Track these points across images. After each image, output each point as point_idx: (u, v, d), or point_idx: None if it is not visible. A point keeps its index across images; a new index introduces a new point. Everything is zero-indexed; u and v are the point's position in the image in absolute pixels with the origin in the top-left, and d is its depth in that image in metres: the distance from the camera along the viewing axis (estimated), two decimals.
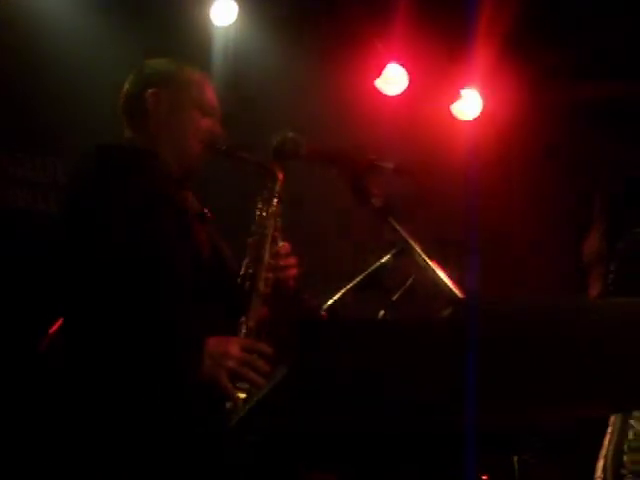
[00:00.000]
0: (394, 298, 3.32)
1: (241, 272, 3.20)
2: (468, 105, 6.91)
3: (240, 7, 6.26)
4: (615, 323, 1.98)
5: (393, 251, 3.17)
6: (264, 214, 3.26)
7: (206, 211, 3.29)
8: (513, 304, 1.96)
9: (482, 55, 6.58)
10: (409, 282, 3.31)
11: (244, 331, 3.05)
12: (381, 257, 3.22)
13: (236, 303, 3.12)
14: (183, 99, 3.31)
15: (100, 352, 2.90)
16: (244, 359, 2.91)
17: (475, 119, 6.94)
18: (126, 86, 3.41)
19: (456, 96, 6.92)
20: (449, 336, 1.86)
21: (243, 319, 3.07)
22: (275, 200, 3.27)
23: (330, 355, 1.86)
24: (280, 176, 3.28)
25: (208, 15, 6.22)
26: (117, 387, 2.89)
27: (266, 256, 3.20)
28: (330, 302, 3.26)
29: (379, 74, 6.72)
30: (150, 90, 3.31)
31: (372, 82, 6.74)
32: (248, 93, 6.24)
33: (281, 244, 3.27)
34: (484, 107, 6.90)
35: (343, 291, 3.26)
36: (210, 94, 3.37)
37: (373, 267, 3.25)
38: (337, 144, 3.22)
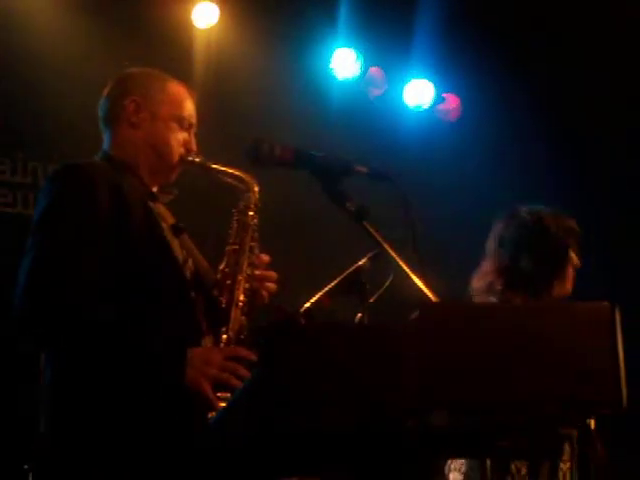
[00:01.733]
0: (371, 301, 3.33)
1: (218, 280, 3.21)
2: (449, 107, 6.95)
3: (221, 9, 6.28)
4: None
5: (370, 254, 3.18)
6: (241, 225, 3.27)
7: (180, 224, 3.29)
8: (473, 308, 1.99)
9: (461, 57, 6.62)
10: (386, 285, 3.32)
11: (224, 341, 3.06)
12: (358, 260, 3.22)
13: (215, 314, 3.13)
14: (163, 110, 3.31)
15: (80, 363, 2.91)
16: (226, 366, 2.92)
17: (455, 121, 6.99)
18: (106, 91, 3.41)
19: (439, 98, 6.96)
20: (415, 339, 1.88)
21: (223, 329, 3.08)
22: (251, 211, 3.29)
23: (298, 358, 1.87)
24: (256, 187, 3.30)
25: (189, 17, 6.24)
26: (99, 398, 2.90)
27: (244, 266, 3.21)
28: (307, 305, 3.26)
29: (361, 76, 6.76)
30: (130, 98, 3.31)
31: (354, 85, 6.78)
32: (230, 95, 6.25)
33: (261, 255, 3.28)
34: (464, 109, 6.95)
35: (320, 294, 3.26)
36: (190, 108, 3.37)
37: (350, 270, 3.25)
38: (314, 147, 3.22)
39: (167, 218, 3.27)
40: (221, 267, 3.25)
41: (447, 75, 6.93)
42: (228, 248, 3.26)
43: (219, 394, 2.90)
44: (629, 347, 2.13)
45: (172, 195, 3.37)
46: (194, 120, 3.37)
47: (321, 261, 5.34)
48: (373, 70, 6.80)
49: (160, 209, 3.27)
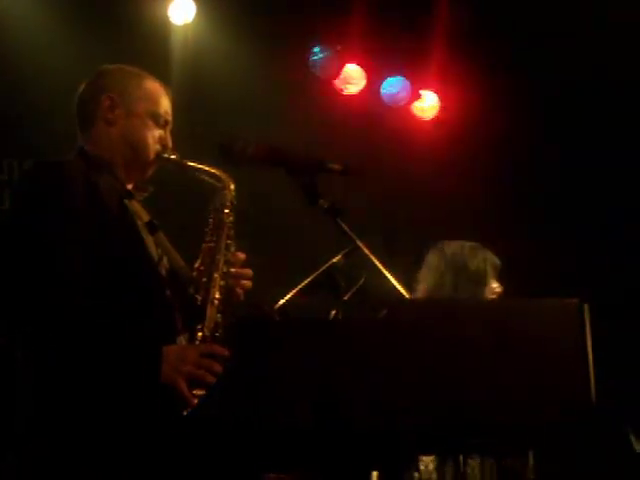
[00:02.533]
0: (346, 298, 3.33)
1: (193, 277, 3.21)
2: (426, 105, 6.97)
3: (198, 6, 6.27)
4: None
5: (344, 251, 3.18)
6: (216, 223, 3.27)
7: (155, 221, 3.29)
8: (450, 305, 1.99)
9: (438, 55, 6.64)
10: (360, 282, 3.33)
11: (199, 339, 3.06)
12: (332, 257, 3.23)
13: (190, 311, 3.13)
14: (139, 107, 3.28)
15: (62, 362, 2.91)
16: (201, 363, 2.92)
17: (433, 119, 7.00)
18: (82, 88, 3.39)
19: (415, 96, 6.97)
20: (384, 336, 1.88)
21: (199, 327, 3.08)
22: (227, 209, 3.28)
23: (269, 353, 1.88)
24: (232, 185, 3.29)
25: (166, 14, 6.22)
26: (75, 393, 2.89)
27: (220, 264, 3.21)
28: (281, 302, 3.26)
29: (338, 74, 6.76)
30: (106, 94, 3.29)
31: (331, 82, 6.78)
32: (206, 91, 6.24)
33: (237, 253, 3.28)
34: (441, 107, 6.97)
35: (294, 291, 3.27)
36: (166, 106, 3.35)
37: (324, 267, 3.25)
38: (291, 144, 3.22)
39: (142, 215, 3.26)
40: (197, 265, 3.24)
41: (425, 73, 6.93)
42: (204, 246, 3.25)
43: (194, 391, 2.91)
44: (597, 344, 2.14)
45: (147, 192, 3.36)
46: (170, 117, 3.36)
47: (295, 258, 5.35)
48: (350, 67, 6.79)
49: (135, 206, 3.26)
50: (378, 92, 6.88)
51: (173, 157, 3.32)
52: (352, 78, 6.79)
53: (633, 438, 3.34)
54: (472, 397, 2.05)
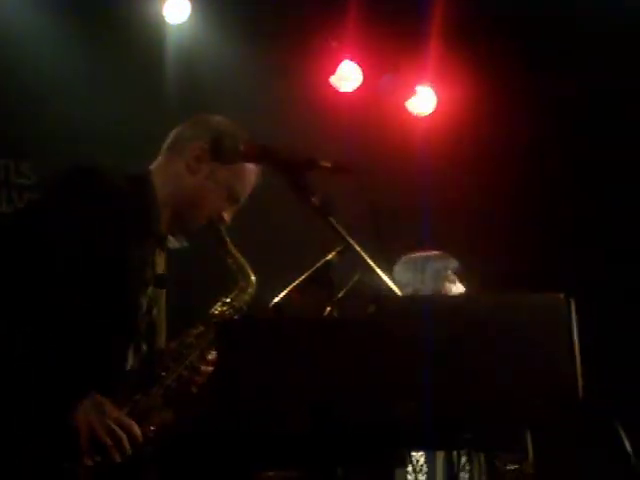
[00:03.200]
0: (340, 295, 3.33)
1: (165, 350, 3.19)
2: (422, 101, 6.97)
3: (193, 5, 6.26)
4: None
5: (338, 248, 3.18)
6: (217, 315, 3.24)
7: (166, 276, 3.27)
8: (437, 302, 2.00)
9: (434, 51, 6.63)
10: (355, 279, 3.33)
11: (129, 409, 3.01)
12: (326, 255, 3.23)
13: (141, 379, 3.11)
14: (224, 175, 3.26)
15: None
16: (114, 431, 2.89)
17: (429, 115, 7.00)
18: (186, 124, 3.35)
19: (411, 92, 6.96)
20: (369, 334, 1.89)
21: (138, 397, 3.05)
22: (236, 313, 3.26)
23: (249, 354, 1.88)
24: (252, 290, 3.29)
25: (161, 13, 6.22)
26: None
27: (192, 358, 3.15)
28: (276, 300, 3.26)
29: (334, 71, 6.75)
30: (202, 144, 3.25)
31: (326, 79, 6.77)
32: (201, 90, 6.24)
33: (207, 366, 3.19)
34: (438, 103, 6.96)
35: (289, 289, 3.26)
36: (248, 189, 3.33)
37: (318, 265, 3.25)
38: (287, 142, 3.23)
39: (158, 265, 3.25)
40: (172, 343, 3.23)
41: (421, 69, 6.93)
42: (193, 330, 3.22)
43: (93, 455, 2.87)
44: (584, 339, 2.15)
45: (180, 245, 3.34)
46: (245, 198, 3.34)
47: (289, 256, 5.34)
48: (347, 65, 6.78)
49: (157, 255, 3.24)
50: (374, 89, 6.87)
51: (219, 231, 3.29)
52: (348, 75, 6.78)
53: (623, 435, 3.35)
54: (459, 393, 2.06)
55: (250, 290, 3.31)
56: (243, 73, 6.38)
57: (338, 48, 6.70)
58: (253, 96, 6.30)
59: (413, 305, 2.00)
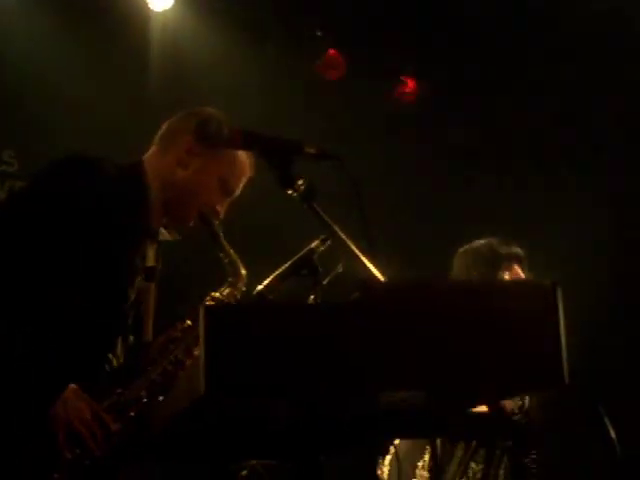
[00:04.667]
0: (324, 283, 3.31)
1: (148, 345, 3.18)
2: (405, 89, 6.98)
3: None
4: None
5: (322, 236, 3.17)
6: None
7: (155, 269, 3.24)
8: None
9: (420, 40, 6.63)
10: (339, 267, 3.31)
11: (109, 402, 2.99)
12: (310, 242, 3.21)
13: (126, 372, 3.10)
14: (215, 167, 3.25)
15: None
16: (92, 425, 2.87)
17: (413, 103, 7.01)
18: (177, 116, 3.33)
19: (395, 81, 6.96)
20: (355, 318, 1.87)
21: (119, 390, 3.03)
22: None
23: (237, 339, 1.87)
24: (243, 287, 3.26)
25: (145, 0, 6.19)
26: None
27: (177, 352, 3.12)
28: (259, 288, 3.24)
29: (319, 59, 6.74)
30: (191, 138, 3.21)
31: (312, 67, 6.76)
32: (185, 77, 6.21)
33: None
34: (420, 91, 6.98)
35: (272, 276, 3.25)
36: (241, 180, 3.31)
37: (302, 252, 3.24)
38: (271, 129, 3.20)
39: (149, 258, 3.23)
40: (159, 337, 3.21)
41: (406, 58, 6.92)
42: (179, 325, 3.21)
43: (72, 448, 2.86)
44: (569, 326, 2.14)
45: (172, 238, 3.32)
46: (238, 191, 3.32)
47: (272, 244, 5.33)
48: (331, 52, 6.77)
49: (149, 248, 3.22)
50: (359, 77, 6.86)
51: (213, 227, 3.26)
52: (333, 63, 6.77)
53: (607, 421, 3.35)
54: (445, 378, 2.05)
55: (240, 285, 3.28)
56: (227, 60, 6.36)
57: (323, 36, 6.68)
58: (237, 83, 6.29)
59: (398, 290, 1.98)
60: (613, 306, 6.47)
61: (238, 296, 3.27)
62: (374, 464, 3.99)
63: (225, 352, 1.89)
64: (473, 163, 6.93)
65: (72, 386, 2.87)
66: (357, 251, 2.83)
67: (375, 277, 2.81)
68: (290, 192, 2.83)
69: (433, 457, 2.64)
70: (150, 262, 3.24)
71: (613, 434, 3.39)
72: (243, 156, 3.29)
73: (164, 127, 3.33)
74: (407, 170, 6.79)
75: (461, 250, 4.54)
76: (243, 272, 3.29)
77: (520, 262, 4.43)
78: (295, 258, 3.20)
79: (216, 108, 3.37)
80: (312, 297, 3.26)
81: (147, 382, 3.06)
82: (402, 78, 7.01)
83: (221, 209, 3.30)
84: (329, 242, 3.09)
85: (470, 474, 3.79)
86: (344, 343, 1.91)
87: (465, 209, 6.67)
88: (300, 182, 2.88)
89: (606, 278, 6.48)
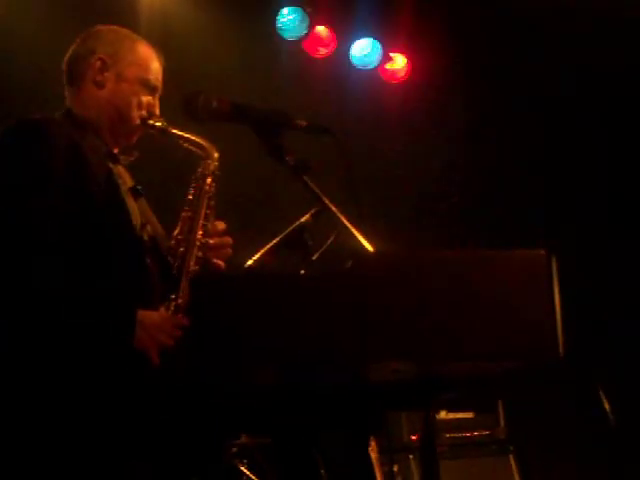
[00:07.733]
0: (314, 257, 3.30)
1: (172, 246, 3.19)
2: (396, 67, 6.94)
3: None
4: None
5: (312, 210, 3.15)
6: (198, 192, 3.24)
7: (139, 187, 3.25)
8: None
9: (408, 18, 6.60)
10: (329, 241, 3.29)
11: (172, 308, 3.03)
12: (300, 216, 3.20)
13: (166, 279, 3.10)
14: (129, 72, 3.28)
15: (32, 320, 2.87)
16: (174, 334, 2.89)
17: (402, 82, 6.97)
18: (73, 48, 3.34)
19: (385, 58, 6.92)
20: (348, 288, 1.85)
21: (173, 296, 3.05)
22: (209, 179, 3.25)
23: (225, 309, 1.85)
24: (215, 154, 3.26)
25: None
26: (50, 354, 2.85)
27: (198, 235, 3.18)
28: (250, 262, 3.23)
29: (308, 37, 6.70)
30: (97, 56, 3.26)
31: (300, 45, 6.72)
32: (174, 57, 6.15)
33: (216, 222, 3.26)
34: (411, 69, 6.93)
35: (263, 251, 3.23)
36: (157, 72, 3.35)
37: (292, 227, 3.22)
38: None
39: (126, 180, 3.24)
40: (175, 233, 3.22)
41: (394, 35, 6.88)
42: (183, 215, 3.25)
43: None
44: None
45: (133, 157, 3.34)
46: (159, 84, 3.35)
47: (263, 218, 5.31)
48: (319, 29, 6.73)
49: (120, 170, 3.24)
50: (348, 55, 6.82)
51: (158, 124, 3.30)
52: (322, 40, 6.73)
53: (602, 395, 3.34)
54: (438, 350, 2.03)
55: (214, 155, 3.28)
56: (215, 37, 6.32)
57: (312, 13, 6.64)
58: (226, 61, 6.25)
59: (391, 260, 1.96)
60: None
61: (217, 166, 3.27)
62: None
63: (212, 322, 1.87)
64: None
65: (140, 312, 2.91)
66: (349, 225, 2.82)
67: (366, 248, 2.79)
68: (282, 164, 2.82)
69: (426, 431, 2.61)
70: (129, 183, 3.25)
71: (607, 405, 3.39)
72: (143, 45, 3.36)
73: (65, 67, 3.36)
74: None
75: None
76: (207, 144, 3.29)
77: None
78: (285, 233, 3.19)
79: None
80: (302, 272, 3.25)
81: (189, 277, 3.08)
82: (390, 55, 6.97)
83: (156, 107, 3.33)
84: (320, 215, 3.07)
85: None
86: (334, 313, 1.89)
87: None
88: (290, 155, 2.87)
89: None
